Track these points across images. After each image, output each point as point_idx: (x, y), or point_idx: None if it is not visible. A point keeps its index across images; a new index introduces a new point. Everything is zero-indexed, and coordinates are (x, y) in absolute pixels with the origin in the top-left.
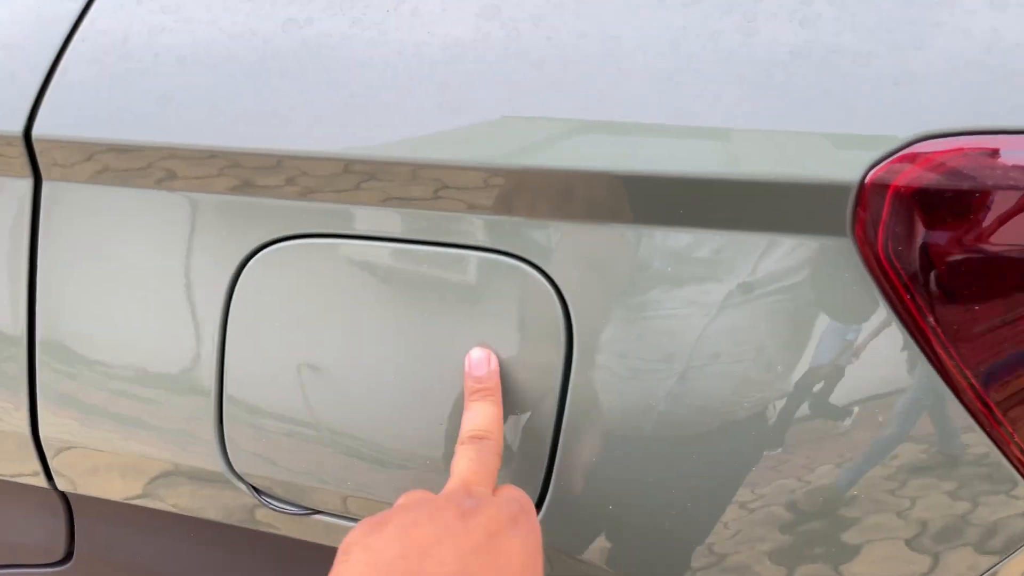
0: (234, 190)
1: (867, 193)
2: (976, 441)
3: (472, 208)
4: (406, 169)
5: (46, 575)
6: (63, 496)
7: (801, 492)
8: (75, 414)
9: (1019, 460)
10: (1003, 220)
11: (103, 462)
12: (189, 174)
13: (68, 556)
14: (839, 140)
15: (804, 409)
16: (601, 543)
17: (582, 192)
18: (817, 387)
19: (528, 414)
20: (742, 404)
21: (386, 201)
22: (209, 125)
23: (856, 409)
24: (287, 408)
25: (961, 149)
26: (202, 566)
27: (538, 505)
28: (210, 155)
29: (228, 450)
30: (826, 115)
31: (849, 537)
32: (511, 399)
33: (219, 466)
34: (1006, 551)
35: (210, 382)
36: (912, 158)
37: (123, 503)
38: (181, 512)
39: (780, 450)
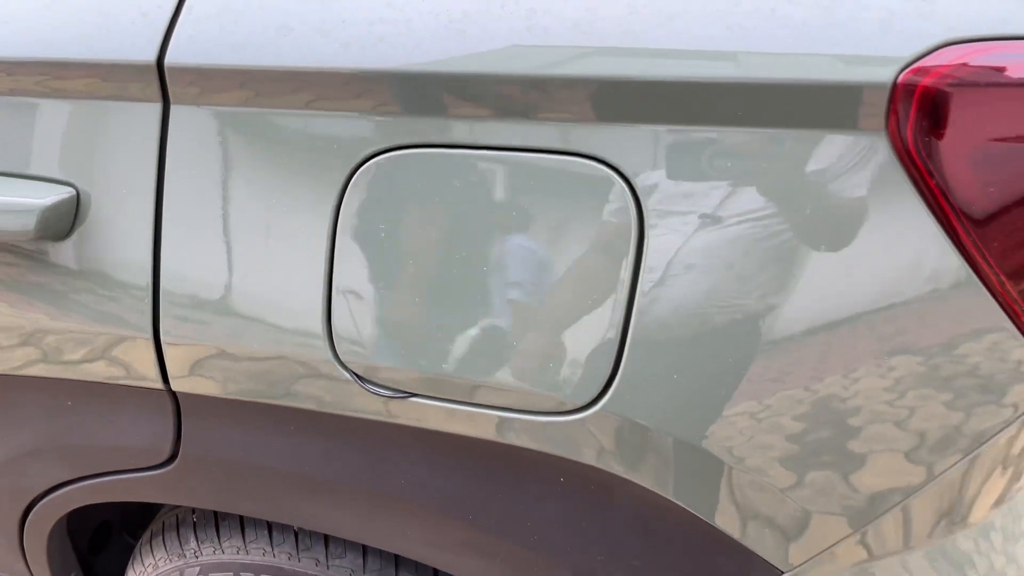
0: (342, 108)
1: (899, 92)
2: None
3: (562, 118)
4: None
5: (150, 478)
6: (174, 397)
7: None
8: (195, 315)
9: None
10: (1014, 114)
11: (218, 361)
12: (302, 96)
13: (172, 457)
14: (875, 46)
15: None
16: (668, 408)
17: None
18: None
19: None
20: (794, 305)
21: (487, 115)
22: (325, 50)
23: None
24: (392, 300)
25: (977, 52)
26: (299, 456)
27: (610, 381)
28: (332, 78)
29: (335, 342)
30: (862, 26)
31: (855, 447)
32: (591, 281)
33: (327, 356)
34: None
35: (320, 279)
36: (936, 61)
37: (230, 399)
38: (286, 404)
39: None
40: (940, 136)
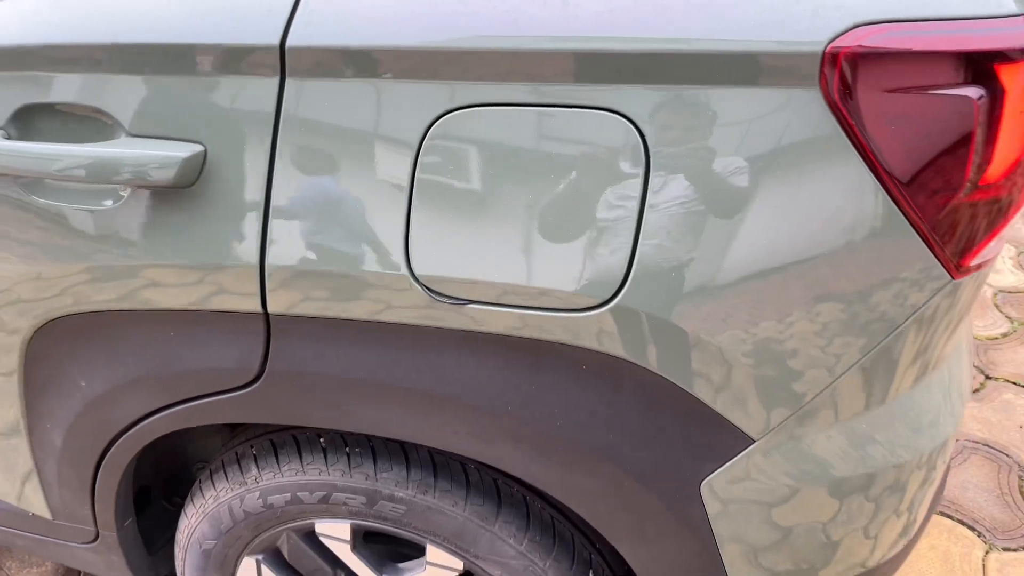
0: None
1: (828, 57)
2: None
3: (587, 80)
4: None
5: (235, 398)
6: (267, 319)
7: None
8: (295, 245)
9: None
10: (912, 74)
11: (310, 282)
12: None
13: (258, 376)
14: (808, 28)
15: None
16: (668, 303)
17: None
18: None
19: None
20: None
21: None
22: (430, 31)
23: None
24: (457, 229)
25: (877, 31)
26: (367, 364)
27: (623, 283)
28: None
29: (411, 261)
30: (802, 12)
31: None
32: (604, 205)
33: (404, 272)
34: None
35: (402, 214)
36: (848, 39)
37: (315, 317)
38: (364, 318)
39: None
40: (854, 88)
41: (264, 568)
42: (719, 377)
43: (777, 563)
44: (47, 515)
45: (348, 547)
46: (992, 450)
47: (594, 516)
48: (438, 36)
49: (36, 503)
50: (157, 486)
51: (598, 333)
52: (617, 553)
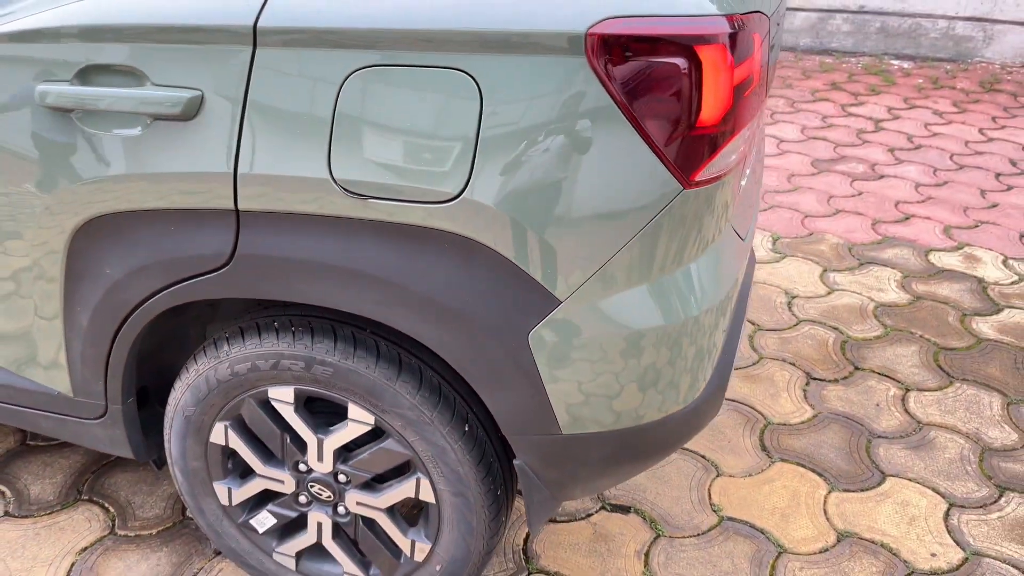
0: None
1: (589, 38)
2: None
3: (444, 50)
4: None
5: (214, 277)
6: (236, 214)
7: None
8: (259, 163)
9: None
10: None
11: (265, 187)
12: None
13: (229, 259)
14: (579, 17)
15: None
16: (501, 198)
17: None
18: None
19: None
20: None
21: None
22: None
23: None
24: (363, 147)
25: (630, 18)
26: (304, 247)
27: (467, 183)
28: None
29: (332, 167)
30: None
31: (586, 263)
32: (456, 131)
33: (327, 176)
34: None
35: (326, 132)
36: (607, 24)
37: (270, 212)
38: (303, 211)
39: None
40: (606, 55)
41: (230, 432)
42: (534, 251)
43: (587, 403)
44: (69, 392)
45: (291, 409)
46: (850, 420)
47: (460, 365)
48: (353, 23)
49: (61, 381)
50: (152, 387)
51: (452, 218)
52: (487, 411)
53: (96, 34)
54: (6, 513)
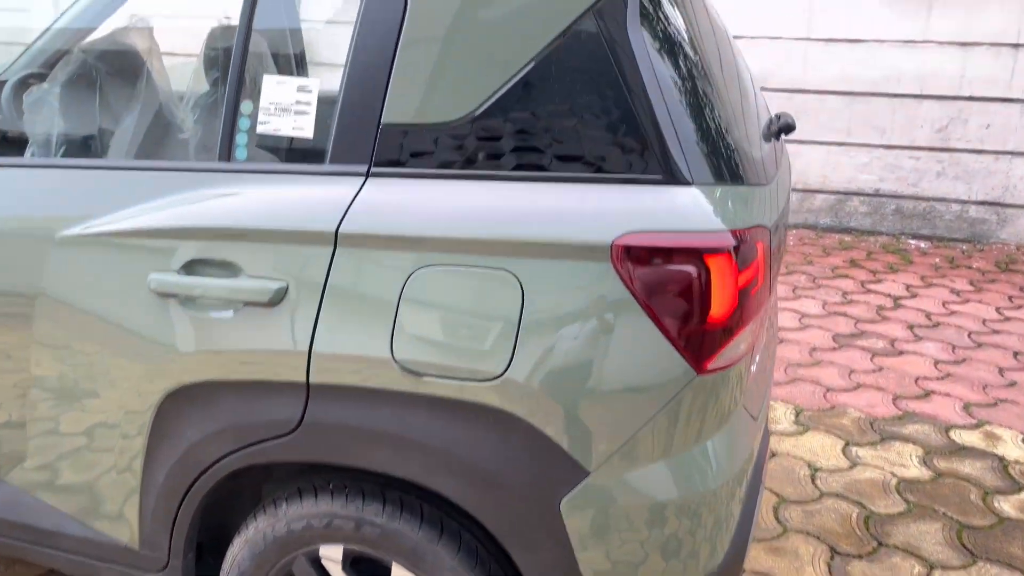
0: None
1: (614, 248)
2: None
3: (494, 253)
4: None
5: (282, 443)
6: (307, 386)
7: None
8: (333, 340)
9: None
10: (667, 263)
11: (342, 365)
12: None
13: (298, 426)
14: (600, 229)
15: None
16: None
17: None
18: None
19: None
20: None
21: None
22: None
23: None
24: (425, 327)
25: (641, 235)
26: (369, 418)
27: (508, 366)
28: None
29: (394, 350)
30: (598, 220)
31: (611, 439)
32: (500, 321)
33: (389, 356)
34: None
35: (390, 316)
36: (629, 237)
37: (335, 385)
38: (364, 386)
39: None
40: (628, 262)
41: None
42: (564, 425)
43: (614, 570)
44: (135, 545)
45: (339, 567)
46: None
47: (496, 528)
48: (419, 231)
49: (128, 533)
50: (207, 542)
51: (495, 395)
52: (518, 573)
53: (203, 234)
54: None
